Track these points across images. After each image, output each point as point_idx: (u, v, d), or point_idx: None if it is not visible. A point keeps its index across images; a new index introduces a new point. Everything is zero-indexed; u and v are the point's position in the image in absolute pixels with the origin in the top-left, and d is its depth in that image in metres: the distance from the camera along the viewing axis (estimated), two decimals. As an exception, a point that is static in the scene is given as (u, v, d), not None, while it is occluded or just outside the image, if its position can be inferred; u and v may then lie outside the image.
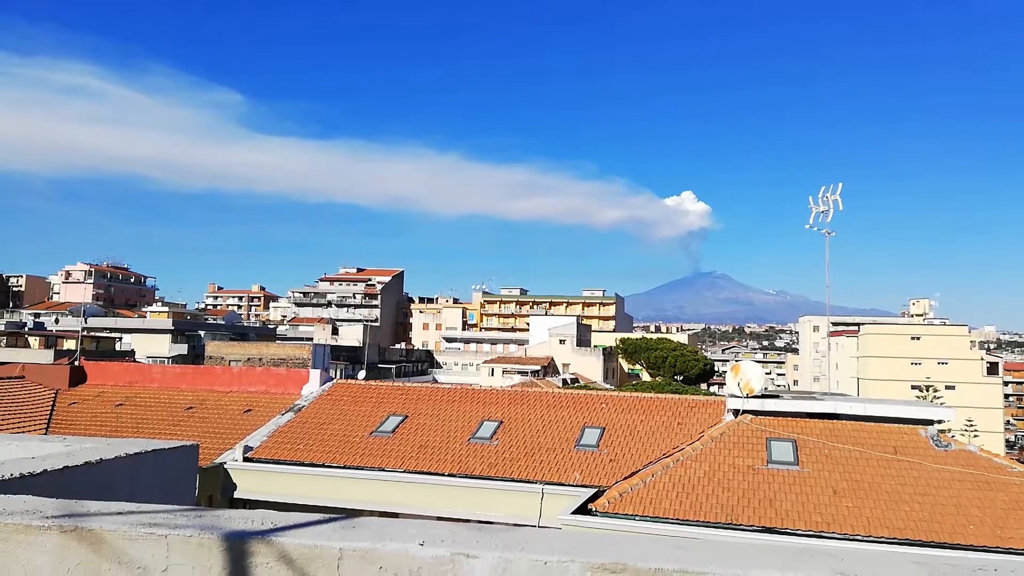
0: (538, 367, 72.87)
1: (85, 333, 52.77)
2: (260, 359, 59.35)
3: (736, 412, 17.52)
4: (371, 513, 17.13)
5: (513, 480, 18.17)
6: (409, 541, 2.54)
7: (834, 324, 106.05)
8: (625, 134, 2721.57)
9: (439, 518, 15.85)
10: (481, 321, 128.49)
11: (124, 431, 22.41)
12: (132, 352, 64.57)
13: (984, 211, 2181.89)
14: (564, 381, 62.86)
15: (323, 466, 19.42)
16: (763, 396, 17.63)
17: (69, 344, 59.06)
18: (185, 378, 26.75)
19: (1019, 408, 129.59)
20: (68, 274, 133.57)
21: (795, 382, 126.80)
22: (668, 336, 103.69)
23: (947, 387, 75.13)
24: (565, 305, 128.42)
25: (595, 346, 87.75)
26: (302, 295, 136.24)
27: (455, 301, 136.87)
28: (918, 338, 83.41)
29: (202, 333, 75.34)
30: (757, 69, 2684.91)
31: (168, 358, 66.12)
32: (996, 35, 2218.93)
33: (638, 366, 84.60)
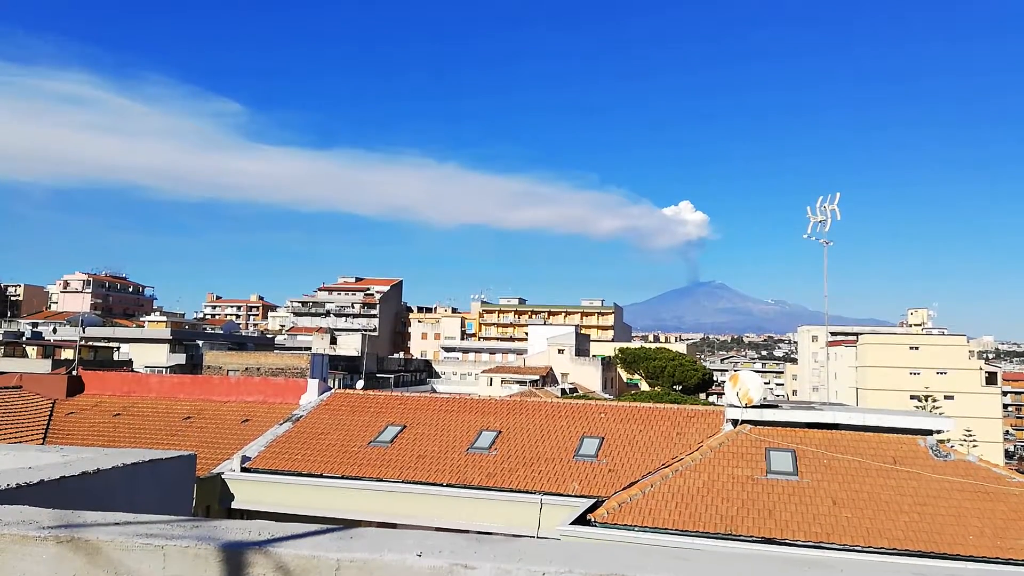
0: (537, 377, 72.80)
1: (83, 343, 52.74)
2: (258, 369, 59.31)
3: (735, 422, 17.50)
4: (369, 524, 17.08)
5: (512, 490, 18.12)
6: (407, 552, 2.53)
7: (833, 334, 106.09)
8: (624, 144, 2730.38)
9: (437, 529, 15.82)
10: (480, 331, 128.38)
11: (121, 441, 22.35)
12: (130, 362, 64.53)
13: (982, 220, 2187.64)
14: (563, 391, 62.83)
15: (321, 476, 19.36)
16: (762, 406, 17.62)
17: (67, 353, 59.00)
18: (183, 388, 26.71)
19: (1018, 418, 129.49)
20: (66, 283, 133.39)
21: (794, 392, 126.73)
22: (667, 346, 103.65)
23: (946, 397, 75.14)
24: (564, 315, 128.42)
25: (594, 356, 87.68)
26: (300, 304, 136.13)
27: (454, 310, 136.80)
28: (917, 348, 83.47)
29: (200, 343, 75.27)
30: (755, 77, 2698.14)
31: (166, 368, 66.05)
32: (993, 41, 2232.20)
33: (637, 376, 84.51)
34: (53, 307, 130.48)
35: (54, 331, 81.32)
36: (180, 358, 71.06)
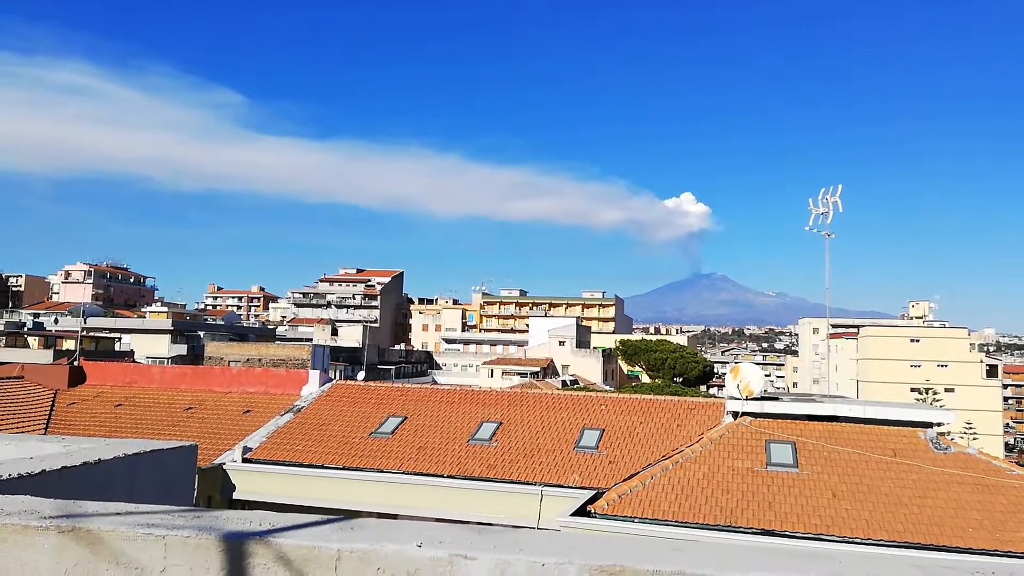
0: (537, 368, 72.85)
1: (84, 333, 52.75)
2: (259, 360, 59.35)
3: (735, 414, 17.52)
4: (370, 514, 17.13)
5: (512, 482, 18.16)
6: (407, 542, 2.53)
7: (834, 326, 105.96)
8: (625, 135, 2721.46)
9: (438, 520, 15.84)
10: (480, 322, 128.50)
11: (123, 431, 22.40)
12: (131, 352, 64.50)
13: (984, 213, 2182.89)
14: (563, 382, 62.85)
15: (322, 467, 19.41)
16: (762, 398, 17.64)
17: (68, 344, 59.05)
18: (184, 379, 26.74)
19: (1018, 411, 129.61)
20: (67, 274, 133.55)
21: (794, 384, 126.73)
22: (668, 338, 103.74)
23: (946, 389, 75.15)
24: (565, 306, 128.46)
25: (595, 348, 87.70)
26: (302, 296, 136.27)
27: (455, 302, 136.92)
28: (917, 340, 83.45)
29: (201, 333, 75.28)
30: (757, 70, 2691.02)
31: (167, 358, 66.09)
32: (997, 36, 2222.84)
33: (637, 368, 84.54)
34: (54, 298, 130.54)
35: (55, 322, 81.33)
36: (181, 349, 71.10)
